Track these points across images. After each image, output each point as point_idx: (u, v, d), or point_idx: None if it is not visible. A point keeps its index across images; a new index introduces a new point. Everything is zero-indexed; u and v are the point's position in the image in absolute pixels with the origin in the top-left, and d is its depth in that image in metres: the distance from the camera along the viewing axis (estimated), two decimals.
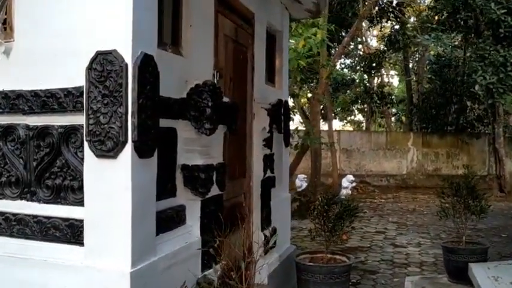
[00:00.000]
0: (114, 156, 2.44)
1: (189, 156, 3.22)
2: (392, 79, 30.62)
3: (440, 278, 6.32)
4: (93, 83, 2.49)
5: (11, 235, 2.81)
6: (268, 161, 4.68)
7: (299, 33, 7.63)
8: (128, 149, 2.43)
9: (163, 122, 2.97)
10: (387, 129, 24.64)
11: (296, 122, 11.78)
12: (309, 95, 12.94)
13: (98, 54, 2.48)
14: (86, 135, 2.50)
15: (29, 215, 2.76)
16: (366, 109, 25.47)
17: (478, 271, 5.40)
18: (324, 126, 19.59)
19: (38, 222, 2.72)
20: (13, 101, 2.79)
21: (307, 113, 11.52)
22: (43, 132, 2.77)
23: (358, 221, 10.86)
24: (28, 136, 2.81)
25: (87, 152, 2.51)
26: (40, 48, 2.72)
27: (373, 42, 26.83)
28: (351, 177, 14.58)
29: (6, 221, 2.82)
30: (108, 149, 2.45)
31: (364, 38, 24.61)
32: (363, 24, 18.29)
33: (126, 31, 2.43)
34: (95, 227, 2.50)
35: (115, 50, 2.45)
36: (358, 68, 22.26)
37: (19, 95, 2.77)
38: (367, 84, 22.77)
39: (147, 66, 2.52)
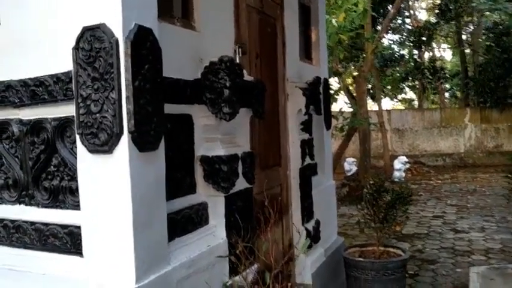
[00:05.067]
0: (109, 151, 2.04)
1: (209, 146, 2.80)
2: (445, 52, 29.03)
3: (511, 267, 5.63)
4: (81, 65, 2.08)
5: (11, 244, 2.48)
6: (307, 147, 4.19)
7: (338, 6, 7.01)
8: (124, 141, 2.02)
9: (175, 108, 2.56)
10: (441, 106, 23.33)
11: (341, 103, 11.13)
12: (355, 74, 12.20)
13: (85, 30, 2.07)
14: (77, 128, 2.12)
15: (27, 222, 2.42)
16: (417, 86, 24.22)
17: None
18: (373, 106, 18.74)
19: (36, 230, 2.38)
20: (2, 93, 2.44)
21: (353, 93, 10.85)
22: (36, 126, 2.41)
23: (413, 204, 10.20)
24: (22, 132, 2.47)
25: (80, 147, 2.13)
26: (26, 30, 2.36)
27: (422, 16, 25.44)
28: (403, 158, 13.82)
29: (5, 229, 2.50)
30: (101, 143, 2.05)
31: (412, 11, 23.35)
32: None
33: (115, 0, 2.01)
34: (93, 235, 2.12)
35: (103, 24, 2.03)
36: (406, 43, 21.08)
37: (8, 86, 2.42)
38: (418, 60, 21.56)
39: (143, 42, 2.09)
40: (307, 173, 4.16)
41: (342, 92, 11.10)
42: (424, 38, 19.08)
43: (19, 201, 2.51)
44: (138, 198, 2.05)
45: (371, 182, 4.41)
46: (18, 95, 2.39)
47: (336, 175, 12.31)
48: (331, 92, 10.49)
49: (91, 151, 2.08)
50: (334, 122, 8.04)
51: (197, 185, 2.75)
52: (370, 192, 4.35)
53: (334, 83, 10.61)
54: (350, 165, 13.48)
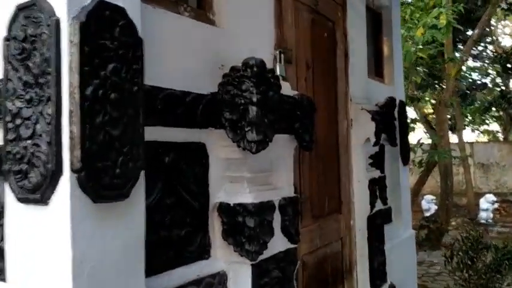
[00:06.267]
0: (42, 201, 1.25)
1: (231, 188, 1.95)
2: None
3: None
4: (12, 65, 1.34)
5: None
6: (378, 187, 3.22)
7: (415, 20, 6.01)
8: (65, 185, 1.22)
9: (179, 134, 1.76)
10: None
11: (419, 133, 9.93)
12: (433, 101, 10.95)
13: (18, 10, 1.33)
14: (3, 162, 1.35)
15: None
16: (502, 116, 22.11)
17: None
18: (451, 137, 17.16)
19: None
20: None
21: (432, 123, 9.61)
22: None
23: None
24: None
25: (7, 191, 1.35)
26: None
27: (506, 42, 23.47)
28: (491, 196, 12.19)
29: None
30: (32, 187, 1.26)
31: (494, 37, 21.59)
32: (492, 21, 15.74)
33: None
34: None
35: None
36: (489, 71, 19.35)
37: None
38: (503, 88, 19.67)
39: (107, 26, 1.31)
40: (378, 222, 3.18)
41: (420, 121, 9.92)
42: (509, 65, 17.32)
43: None
44: (86, 277, 1.23)
45: (464, 235, 3.32)
46: None
47: (412, 213, 11.05)
48: (408, 120, 9.38)
49: (20, 199, 1.30)
50: (411, 155, 6.93)
51: (212, 246, 1.89)
52: (464, 248, 3.26)
53: (410, 110, 9.47)
54: (429, 203, 12.05)
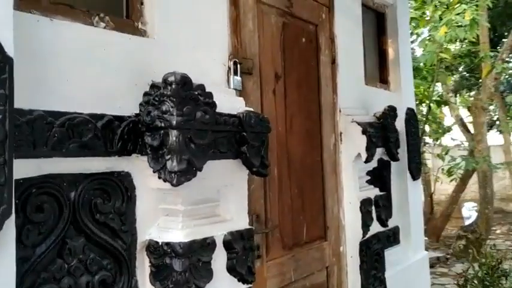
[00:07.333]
0: None
1: (165, 223, 1.69)
2: None
3: None
4: None
5: None
6: (375, 208, 2.86)
7: (439, 18, 5.54)
8: None
9: (93, 163, 1.52)
10: None
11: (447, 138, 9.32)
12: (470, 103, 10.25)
13: None
14: None
15: None
16: None
17: None
18: (498, 139, 16.18)
19: None
20: None
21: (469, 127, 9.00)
22: None
23: None
24: None
25: None
26: None
27: None
28: None
29: None
30: None
31: None
32: None
33: None
34: None
35: None
36: None
37: None
38: None
39: None
40: (376, 247, 2.82)
41: (457, 124, 9.31)
42: None
43: None
44: None
45: (482, 260, 2.91)
46: None
47: (453, 220, 10.38)
48: (444, 125, 8.81)
49: None
50: (439, 163, 6.45)
51: None
52: (479, 275, 2.86)
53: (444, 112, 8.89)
54: (469, 211, 11.36)
